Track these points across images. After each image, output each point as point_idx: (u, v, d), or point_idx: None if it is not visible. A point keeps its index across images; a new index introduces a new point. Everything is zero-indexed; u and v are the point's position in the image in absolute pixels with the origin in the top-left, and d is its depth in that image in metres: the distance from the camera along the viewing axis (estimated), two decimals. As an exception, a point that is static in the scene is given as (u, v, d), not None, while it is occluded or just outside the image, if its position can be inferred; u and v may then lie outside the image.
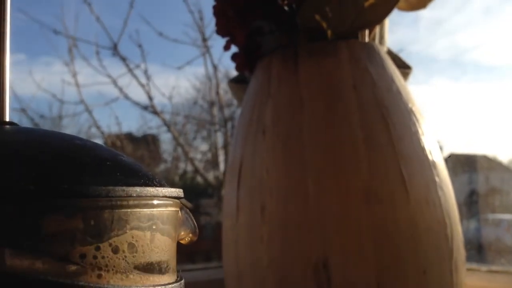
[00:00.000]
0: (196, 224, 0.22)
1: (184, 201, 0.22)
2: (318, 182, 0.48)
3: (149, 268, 0.19)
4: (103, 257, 0.17)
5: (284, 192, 0.49)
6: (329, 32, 0.55)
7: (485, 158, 1.27)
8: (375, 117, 0.50)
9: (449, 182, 0.52)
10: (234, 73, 0.66)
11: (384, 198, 0.47)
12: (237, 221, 0.53)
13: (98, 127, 2.56)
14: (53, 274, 0.16)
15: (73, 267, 0.17)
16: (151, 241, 0.19)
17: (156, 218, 0.19)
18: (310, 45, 0.55)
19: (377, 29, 0.60)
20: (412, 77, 0.65)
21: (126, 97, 2.55)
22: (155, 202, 0.19)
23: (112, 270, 0.18)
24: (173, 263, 0.20)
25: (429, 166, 0.50)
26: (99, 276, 0.17)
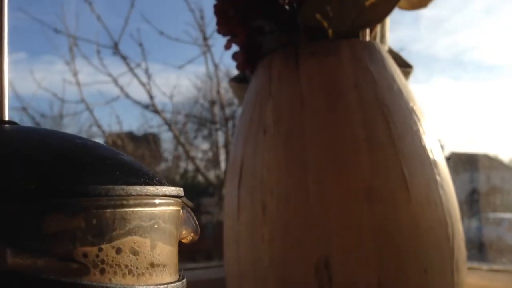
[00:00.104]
0: (197, 223, 0.22)
1: (185, 200, 0.22)
2: (319, 181, 0.48)
3: (152, 268, 0.19)
4: (106, 256, 0.17)
5: (285, 191, 0.49)
6: (330, 31, 0.55)
7: (486, 157, 1.27)
8: (376, 116, 0.50)
9: (450, 181, 0.52)
10: (235, 72, 0.66)
11: (385, 197, 0.47)
12: (238, 220, 0.53)
13: (99, 126, 2.56)
14: (56, 273, 0.16)
15: (75, 266, 0.17)
16: (153, 240, 0.19)
17: (157, 217, 0.19)
18: (311, 44, 0.55)
19: (378, 28, 0.60)
20: (412, 76, 0.65)
21: (127, 96, 2.56)
22: (157, 201, 0.19)
23: (115, 269, 0.17)
24: (175, 262, 0.20)
25: (430, 165, 0.50)
26: (102, 275, 0.17)
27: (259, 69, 0.58)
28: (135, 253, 0.18)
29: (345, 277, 0.46)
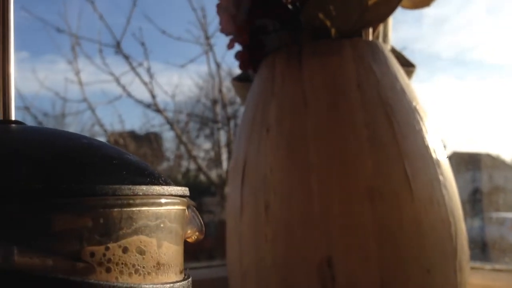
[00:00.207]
0: (202, 222, 0.22)
1: (187, 199, 0.22)
2: (322, 181, 0.48)
3: (158, 267, 0.19)
4: (112, 256, 0.17)
5: (288, 190, 0.49)
6: (333, 31, 0.55)
7: (488, 156, 1.27)
8: (379, 115, 0.50)
9: (453, 181, 0.52)
10: (237, 71, 0.66)
11: (388, 197, 0.47)
12: (241, 219, 0.53)
13: (101, 125, 2.56)
14: (63, 272, 0.16)
15: (82, 265, 0.17)
16: (159, 240, 0.19)
17: (163, 216, 0.19)
18: (314, 44, 0.55)
19: (381, 27, 0.60)
20: (415, 75, 0.65)
21: (129, 95, 2.55)
22: (163, 200, 0.19)
23: (121, 268, 0.18)
24: (180, 261, 0.21)
25: (433, 164, 0.50)
26: (108, 273, 0.17)
27: (262, 68, 0.58)
28: (141, 252, 0.18)
29: (348, 276, 0.46)
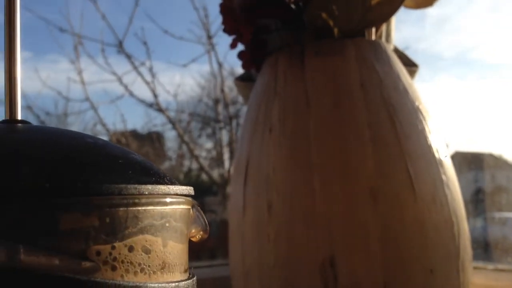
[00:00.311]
0: (207, 222, 0.22)
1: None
2: (324, 181, 0.48)
3: (163, 266, 0.19)
4: (118, 254, 0.18)
5: (291, 190, 0.49)
6: (335, 30, 0.55)
7: (491, 156, 1.27)
8: (381, 115, 0.50)
9: (456, 181, 0.52)
10: (239, 70, 0.66)
11: (390, 197, 0.47)
12: (243, 219, 0.53)
13: (103, 125, 2.57)
14: (69, 271, 0.16)
15: (88, 264, 0.17)
16: (165, 239, 0.19)
17: (169, 216, 0.19)
18: (316, 43, 0.55)
19: (383, 27, 0.60)
20: (417, 75, 0.65)
21: (131, 94, 2.56)
22: (168, 200, 0.19)
23: (127, 267, 0.18)
24: (185, 260, 0.21)
25: (436, 164, 0.50)
26: (114, 272, 0.17)
27: (265, 68, 0.58)
28: (147, 251, 0.18)
29: (350, 276, 0.46)
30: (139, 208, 0.18)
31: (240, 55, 0.60)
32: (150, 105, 2.66)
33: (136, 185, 0.18)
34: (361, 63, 0.53)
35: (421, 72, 0.65)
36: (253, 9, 0.57)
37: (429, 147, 0.50)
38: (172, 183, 0.20)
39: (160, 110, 2.67)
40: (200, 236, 0.22)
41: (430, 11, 0.82)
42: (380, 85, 0.52)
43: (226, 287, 0.61)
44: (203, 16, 2.59)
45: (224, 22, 0.59)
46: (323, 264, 0.47)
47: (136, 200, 0.18)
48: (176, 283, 0.19)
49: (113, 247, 0.17)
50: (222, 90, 2.69)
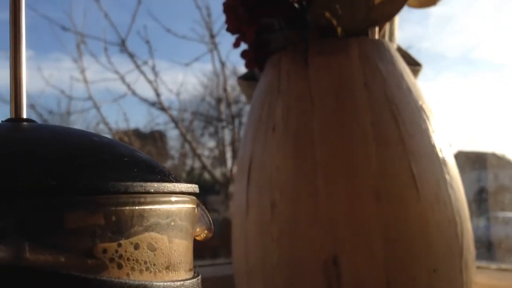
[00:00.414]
0: (211, 221, 0.22)
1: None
2: (328, 180, 0.48)
3: (168, 265, 0.19)
4: (124, 252, 0.18)
5: (294, 189, 0.49)
6: (339, 30, 0.55)
7: (494, 156, 1.27)
8: (385, 114, 0.50)
9: (459, 180, 0.52)
10: (241, 69, 0.66)
11: (393, 196, 0.47)
12: (246, 218, 0.53)
13: (106, 123, 2.57)
14: (75, 269, 0.16)
15: (94, 262, 0.17)
16: (170, 239, 0.19)
17: (174, 214, 0.19)
18: (320, 42, 0.55)
19: (387, 26, 0.60)
20: (421, 74, 0.65)
21: (134, 93, 2.56)
22: (173, 199, 0.19)
23: (133, 264, 0.18)
24: (190, 259, 0.21)
25: (440, 164, 0.50)
26: (120, 270, 0.17)
27: (268, 67, 0.58)
28: (152, 249, 0.18)
29: (354, 275, 0.46)
30: (145, 207, 0.18)
31: (244, 54, 0.60)
32: (153, 104, 2.66)
33: (142, 183, 0.18)
34: (364, 62, 0.53)
35: (424, 71, 0.65)
36: (256, 8, 0.57)
37: (432, 147, 0.50)
38: (177, 181, 0.20)
39: (162, 109, 2.67)
40: (204, 235, 0.22)
41: (433, 10, 0.82)
42: (384, 84, 0.52)
43: (229, 286, 0.61)
44: (206, 15, 2.59)
45: (227, 21, 0.59)
46: (326, 263, 0.47)
47: (142, 199, 0.18)
48: (181, 282, 0.19)
49: (119, 245, 0.18)
50: (225, 89, 2.69)
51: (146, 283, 0.18)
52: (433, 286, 0.47)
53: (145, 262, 0.18)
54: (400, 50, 0.61)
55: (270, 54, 0.58)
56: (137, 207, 0.18)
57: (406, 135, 0.49)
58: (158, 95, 2.60)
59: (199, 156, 2.80)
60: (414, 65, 0.62)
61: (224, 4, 0.59)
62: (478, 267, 0.61)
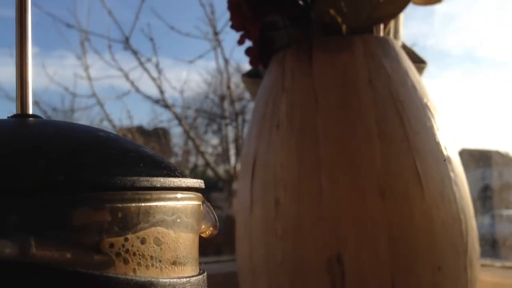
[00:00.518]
0: (216, 218, 0.22)
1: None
2: (332, 177, 0.48)
3: (174, 261, 0.19)
4: (131, 247, 0.18)
5: (298, 186, 0.49)
6: (344, 27, 0.55)
7: (498, 153, 1.27)
8: (389, 112, 0.50)
9: (464, 178, 0.52)
10: (245, 67, 0.66)
11: (398, 193, 0.47)
12: (250, 215, 0.53)
13: (109, 120, 2.58)
14: (82, 265, 0.16)
15: (101, 259, 0.17)
16: (176, 234, 0.19)
17: (180, 211, 0.19)
18: (324, 40, 0.55)
19: (392, 23, 0.59)
20: (425, 71, 0.65)
21: (138, 90, 2.56)
22: (179, 195, 0.19)
23: (139, 259, 0.18)
24: (196, 255, 0.21)
25: (444, 161, 0.50)
26: (126, 265, 0.17)
27: (272, 64, 0.58)
28: (159, 243, 0.18)
29: (358, 273, 0.46)
30: (151, 203, 0.18)
31: (248, 52, 0.60)
32: (156, 101, 2.66)
33: (148, 178, 0.18)
34: (369, 59, 0.52)
35: (429, 69, 0.65)
36: (261, 6, 0.57)
37: (437, 144, 0.50)
38: (183, 176, 0.20)
39: (166, 106, 2.67)
40: (210, 232, 0.22)
41: (438, 7, 0.82)
42: (388, 81, 0.51)
43: (233, 283, 0.61)
44: (210, 12, 2.59)
45: (232, 19, 0.59)
46: (330, 260, 0.46)
47: (148, 196, 0.18)
48: (188, 279, 0.19)
49: (126, 239, 0.18)
50: (228, 87, 2.69)
51: (153, 279, 0.18)
52: (437, 283, 0.46)
53: (151, 257, 0.18)
54: (405, 47, 0.61)
55: (274, 51, 0.58)
56: (143, 204, 0.18)
57: (411, 133, 0.49)
58: (161, 92, 2.61)
59: (202, 153, 2.80)
60: (419, 62, 0.62)
61: (229, 2, 0.59)
62: (482, 265, 0.61)
